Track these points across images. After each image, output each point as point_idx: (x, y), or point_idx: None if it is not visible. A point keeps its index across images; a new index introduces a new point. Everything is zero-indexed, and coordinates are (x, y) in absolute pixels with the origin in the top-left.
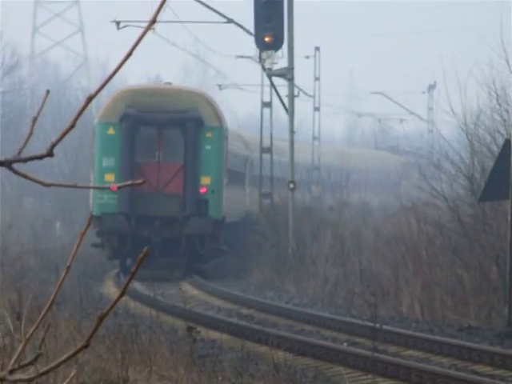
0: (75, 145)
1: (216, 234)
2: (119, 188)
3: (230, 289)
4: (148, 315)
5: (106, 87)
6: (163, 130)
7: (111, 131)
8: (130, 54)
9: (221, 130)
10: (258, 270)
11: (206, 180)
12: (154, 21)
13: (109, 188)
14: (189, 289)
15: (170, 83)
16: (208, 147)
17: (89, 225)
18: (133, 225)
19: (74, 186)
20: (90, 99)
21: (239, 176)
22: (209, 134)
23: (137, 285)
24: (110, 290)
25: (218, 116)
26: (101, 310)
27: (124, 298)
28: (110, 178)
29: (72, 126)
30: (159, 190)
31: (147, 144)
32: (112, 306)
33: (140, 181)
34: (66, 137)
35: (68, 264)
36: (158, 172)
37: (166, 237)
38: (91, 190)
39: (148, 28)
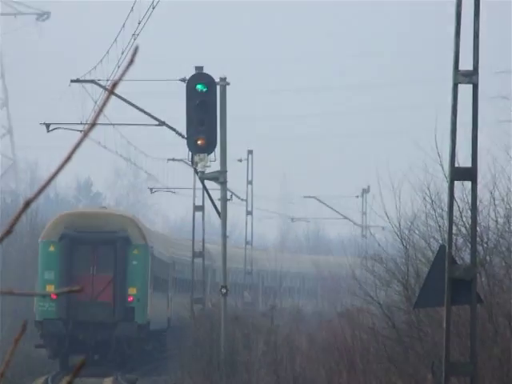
0: (4, 248)
1: (142, 336)
2: (58, 294)
3: None
4: None
5: (34, 189)
6: (96, 248)
7: (52, 248)
8: (68, 159)
9: (146, 247)
10: (189, 377)
11: (132, 290)
12: (93, 124)
13: (47, 296)
14: None
15: (104, 207)
16: (134, 262)
17: (23, 331)
18: (70, 329)
19: (10, 293)
20: (27, 204)
21: (164, 282)
22: (135, 251)
23: None
24: None
25: (143, 235)
26: None
27: None
28: (50, 288)
29: (9, 232)
30: (93, 298)
31: (83, 259)
32: None
33: (78, 287)
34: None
35: (1, 371)
36: (92, 283)
37: (99, 339)
38: (35, 299)
39: (86, 134)
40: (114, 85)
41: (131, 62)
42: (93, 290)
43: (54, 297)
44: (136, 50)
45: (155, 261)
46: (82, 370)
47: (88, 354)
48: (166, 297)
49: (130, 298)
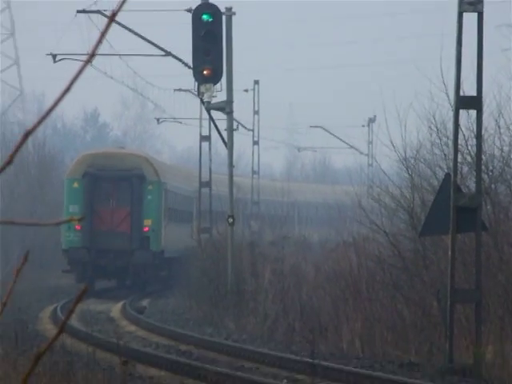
0: (11, 180)
1: (156, 263)
2: (57, 224)
3: (168, 325)
4: (85, 352)
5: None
6: (115, 184)
7: (76, 185)
8: (68, 90)
9: (159, 184)
10: (196, 306)
11: (147, 222)
12: (92, 54)
13: (49, 226)
14: (126, 325)
15: (122, 147)
16: (149, 197)
17: (25, 261)
18: (92, 256)
19: (11, 223)
20: (27, 135)
21: (186, 214)
22: (150, 187)
23: (74, 321)
24: (47, 326)
25: (157, 173)
26: (38, 348)
27: (61, 335)
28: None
29: (10, 162)
30: (112, 229)
31: (103, 194)
32: (50, 344)
33: (78, 217)
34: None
35: (4, 300)
36: (112, 216)
37: (118, 265)
38: (62, 230)
39: (87, 62)
40: (115, 13)
41: None
42: (112, 222)
43: (78, 227)
44: None
45: (169, 195)
46: (103, 293)
47: (108, 278)
48: (187, 226)
49: (146, 229)
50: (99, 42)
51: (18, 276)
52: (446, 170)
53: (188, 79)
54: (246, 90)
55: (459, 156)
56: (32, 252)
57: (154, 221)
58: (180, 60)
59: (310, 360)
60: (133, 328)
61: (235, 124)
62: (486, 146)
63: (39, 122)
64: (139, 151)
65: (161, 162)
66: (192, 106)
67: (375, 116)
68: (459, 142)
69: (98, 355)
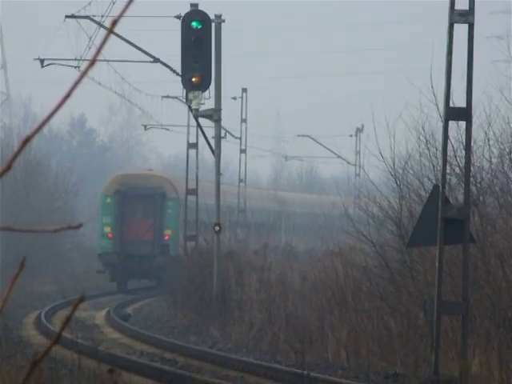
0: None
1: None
2: (56, 231)
3: (152, 332)
4: (69, 359)
5: (28, 125)
6: (141, 200)
7: (109, 200)
8: (68, 96)
9: (177, 200)
10: (181, 314)
11: (168, 231)
12: (93, 60)
13: (43, 232)
14: (110, 331)
15: (151, 170)
16: (169, 211)
17: (22, 267)
18: (122, 260)
19: (9, 229)
20: (26, 141)
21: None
22: (170, 203)
23: (57, 327)
24: (31, 332)
25: (176, 191)
26: (34, 355)
27: (44, 340)
28: (107, 229)
29: (8, 168)
30: (138, 237)
31: (131, 208)
32: (46, 352)
33: (76, 224)
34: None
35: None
36: (138, 226)
37: (143, 268)
38: (98, 238)
39: (90, 66)
40: (114, 22)
41: None
42: (138, 231)
43: (110, 236)
44: None
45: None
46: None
47: (135, 278)
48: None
49: (166, 237)
50: (98, 52)
51: (15, 283)
52: (434, 181)
53: (176, 86)
54: (234, 98)
55: (448, 167)
56: (16, 258)
57: (173, 231)
58: (168, 67)
59: (299, 370)
60: (117, 335)
61: (223, 132)
62: (474, 158)
63: (39, 128)
64: (162, 173)
65: (180, 181)
66: (180, 112)
67: (363, 126)
68: (448, 153)
69: (83, 362)
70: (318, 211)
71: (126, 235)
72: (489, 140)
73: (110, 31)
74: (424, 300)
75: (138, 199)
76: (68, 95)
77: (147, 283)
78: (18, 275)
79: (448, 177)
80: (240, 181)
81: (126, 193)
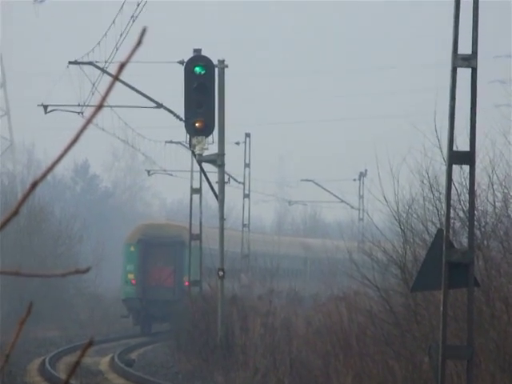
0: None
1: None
2: (63, 276)
3: (157, 378)
4: None
5: (31, 171)
6: (162, 248)
7: (132, 249)
8: (75, 141)
9: (196, 248)
10: (186, 359)
11: (187, 277)
12: (100, 106)
13: (51, 276)
14: (114, 377)
15: (172, 220)
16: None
17: (29, 313)
18: (144, 305)
19: (17, 274)
20: (34, 185)
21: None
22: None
23: (62, 374)
24: (35, 379)
25: (194, 239)
26: None
27: None
28: (131, 276)
29: (16, 213)
30: (160, 283)
31: (153, 256)
32: None
33: (84, 269)
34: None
35: (7, 353)
36: (160, 273)
37: (165, 312)
38: (121, 284)
39: (97, 110)
40: (121, 67)
41: (139, 43)
42: (160, 278)
43: (133, 282)
44: (144, 31)
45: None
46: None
47: (157, 322)
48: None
49: (187, 283)
50: (105, 97)
51: (21, 328)
52: (438, 225)
53: (179, 131)
54: (238, 143)
55: (452, 211)
56: (20, 304)
57: (192, 276)
58: (172, 112)
59: None
60: (121, 381)
61: (226, 177)
62: (478, 202)
63: (46, 173)
64: (181, 223)
65: (197, 229)
66: (183, 158)
67: (366, 170)
68: (452, 197)
69: None
70: (322, 256)
71: (148, 282)
72: (492, 184)
73: (116, 77)
74: (429, 344)
75: (159, 247)
76: (75, 140)
77: (169, 326)
78: (24, 320)
79: (452, 221)
80: (243, 226)
81: (147, 242)
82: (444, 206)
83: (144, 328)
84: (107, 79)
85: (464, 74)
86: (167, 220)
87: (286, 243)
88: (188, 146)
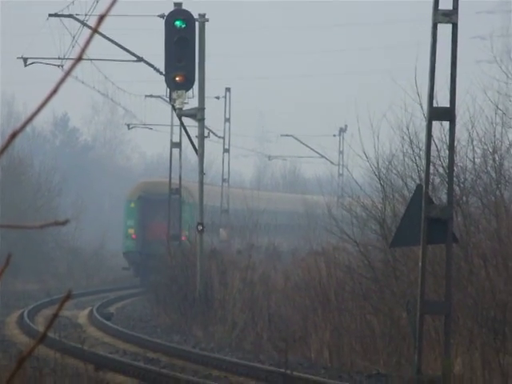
0: None
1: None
2: (42, 227)
3: (135, 332)
4: (52, 358)
5: (11, 124)
6: (161, 205)
7: (132, 205)
8: (54, 92)
9: (193, 204)
10: (164, 314)
11: (185, 232)
12: (79, 58)
13: (30, 228)
14: (93, 331)
15: (166, 178)
16: (185, 214)
17: (7, 264)
18: (143, 258)
19: (9, 226)
20: (13, 136)
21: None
22: (186, 207)
23: (40, 327)
24: (13, 331)
25: (192, 196)
26: (21, 352)
27: (27, 340)
28: (131, 231)
29: None
30: (158, 238)
31: (152, 212)
32: (33, 348)
33: (62, 221)
34: None
35: None
36: (158, 228)
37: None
38: (123, 238)
39: (77, 62)
40: (100, 20)
41: None
42: (158, 233)
43: (133, 237)
44: None
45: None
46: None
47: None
48: (213, 235)
49: (183, 238)
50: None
51: (0, 278)
52: (417, 181)
53: (160, 85)
54: (218, 97)
55: (431, 167)
56: None
57: (189, 231)
58: (152, 66)
59: (282, 370)
60: (100, 334)
61: (206, 131)
62: (458, 158)
63: (25, 124)
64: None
65: (195, 187)
66: (163, 112)
67: (346, 126)
68: (431, 153)
69: (66, 361)
70: (301, 211)
71: (147, 236)
72: (472, 140)
73: (95, 30)
74: (407, 300)
75: (157, 204)
76: (54, 91)
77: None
78: (2, 271)
79: (431, 177)
80: (223, 180)
81: (147, 198)
82: (424, 161)
83: (143, 280)
84: (87, 32)
85: (445, 29)
86: (166, 178)
87: (265, 198)
88: (168, 100)
